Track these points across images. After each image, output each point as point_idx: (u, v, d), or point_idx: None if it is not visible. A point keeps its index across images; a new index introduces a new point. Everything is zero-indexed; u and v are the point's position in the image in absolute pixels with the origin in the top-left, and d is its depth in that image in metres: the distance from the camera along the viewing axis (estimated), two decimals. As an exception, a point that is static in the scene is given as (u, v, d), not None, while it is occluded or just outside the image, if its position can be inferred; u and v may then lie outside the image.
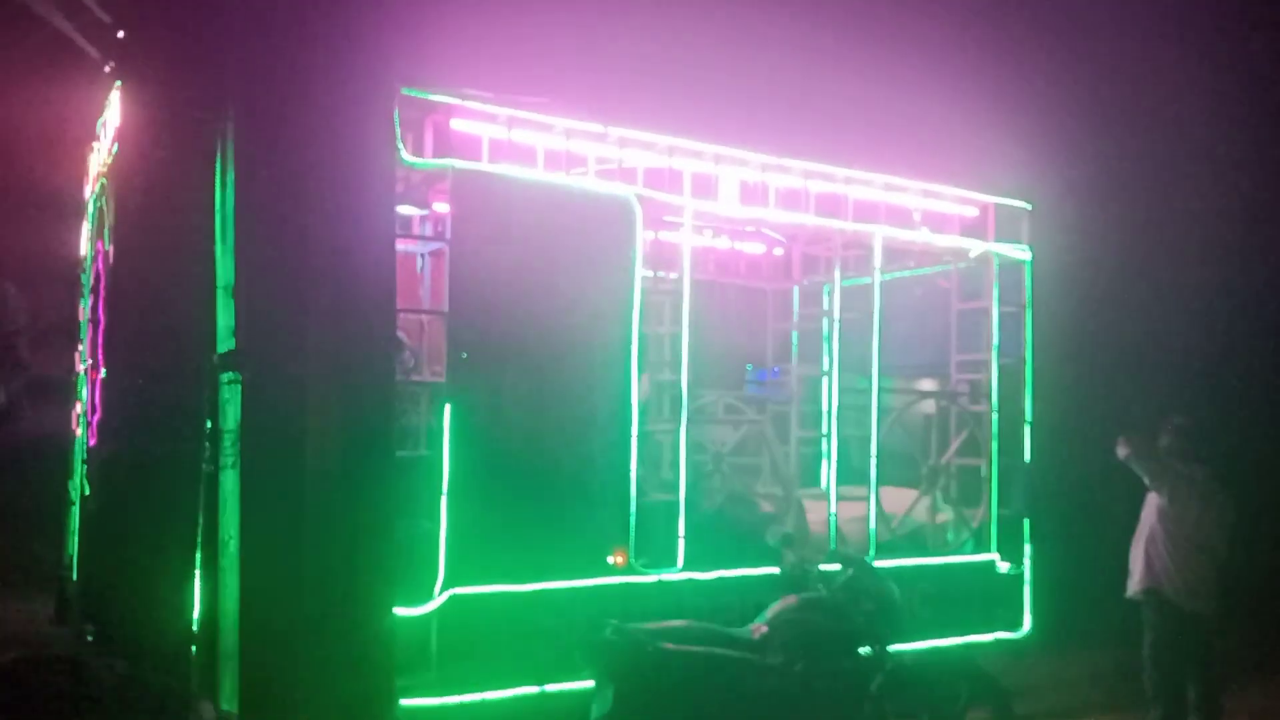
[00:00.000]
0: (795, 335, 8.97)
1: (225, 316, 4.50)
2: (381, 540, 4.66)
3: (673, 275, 8.48)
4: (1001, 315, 7.63)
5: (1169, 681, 5.90)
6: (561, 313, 5.68)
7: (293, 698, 4.32)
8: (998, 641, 7.16)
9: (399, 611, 5.14)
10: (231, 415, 4.42)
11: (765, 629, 5.05)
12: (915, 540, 7.24)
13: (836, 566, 5.45)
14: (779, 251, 8.95)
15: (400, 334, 5.69)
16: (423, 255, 6.13)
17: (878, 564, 6.51)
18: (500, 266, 5.47)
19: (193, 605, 4.65)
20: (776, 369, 9.11)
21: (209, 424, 4.53)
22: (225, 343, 4.49)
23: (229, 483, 4.48)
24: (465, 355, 5.39)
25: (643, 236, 6.03)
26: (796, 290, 9.07)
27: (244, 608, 4.29)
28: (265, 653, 4.32)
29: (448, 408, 5.35)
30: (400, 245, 5.87)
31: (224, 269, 4.50)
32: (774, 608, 5.17)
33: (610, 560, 5.80)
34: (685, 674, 4.68)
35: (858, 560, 5.40)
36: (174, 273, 4.53)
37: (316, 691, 4.36)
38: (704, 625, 4.96)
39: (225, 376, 4.51)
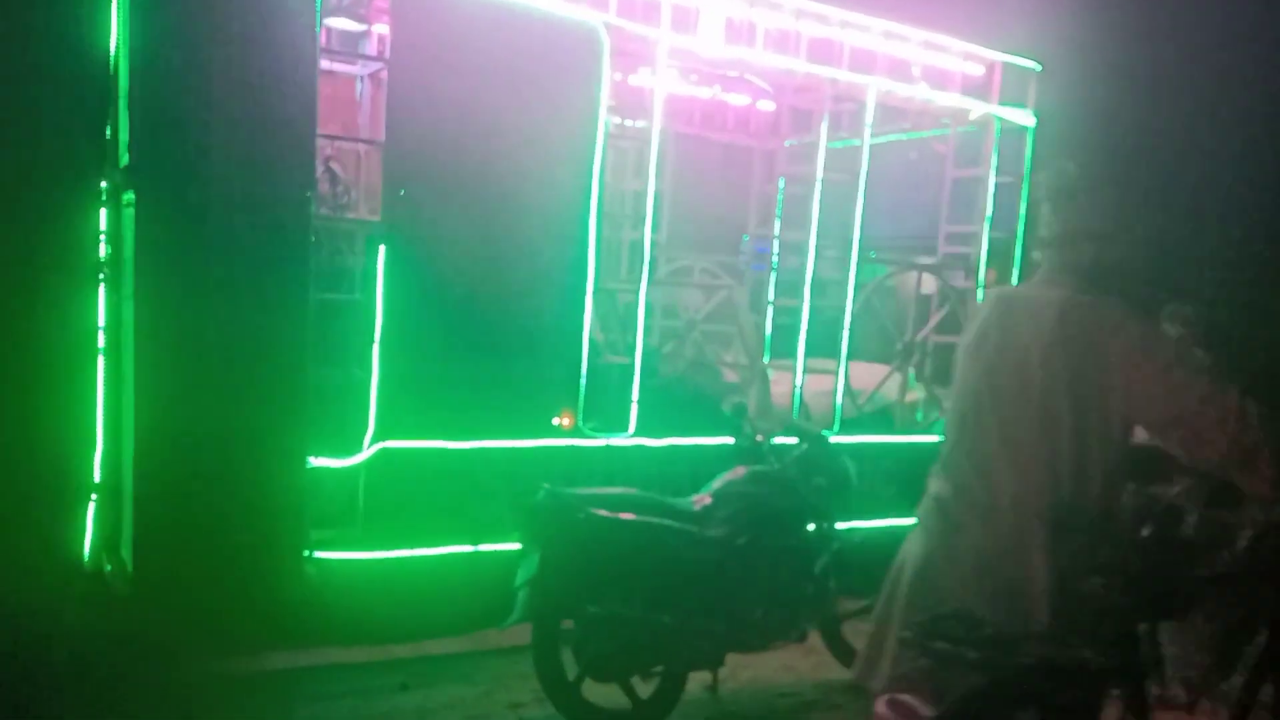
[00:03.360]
0: (780, 197, 8.47)
1: (124, 129, 4.02)
2: (293, 387, 4.32)
3: (644, 124, 8.04)
4: (998, 186, 7.15)
5: None
6: (513, 152, 5.18)
7: (190, 549, 4.06)
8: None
9: (322, 463, 4.87)
10: (128, 241, 4.00)
11: (708, 500, 4.77)
12: (882, 417, 6.94)
13: (794, 441, 5.17)
14: (767, 106, 8.36)
15: (333, 165, 5.22)
16: (362, 78, 5.59)
17: (838, 440, 6.26)
18: (445, 95, 4.94)
19: (94, 452, 4.33)
20: (763, 247, 8.66)
21: (107, 250, 4.11)
22: (124, 158, 4.03)
23: (128, 316, 4.10)
24: (402, 192, 4.93)
25: (610, 73, 5.47)
26: (784, 148, 8.52)
27: (138, 453, 3.98)
28: (160, 502, 4.04)
29: (381, 249, 4.92)
30: (334, 65, 5.35)
31: (122, 73, 4.00)
32: (720, 479, 4.89)
33: (556, 422, 5.49)
34: (617, 542, 4.42)
35: (813, 434, 5.10)
36: (62, 77, 4.01)
37: (216, 543, 4.10)
38: (643, 494, 4.68)
39: (125, 197, 4.07)
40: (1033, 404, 2.96)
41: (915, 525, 3.31)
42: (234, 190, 4.06)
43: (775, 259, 8.33)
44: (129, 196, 4.02)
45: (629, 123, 7.76)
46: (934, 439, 6.93)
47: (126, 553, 4.21)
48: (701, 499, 4.77)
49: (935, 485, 3.28)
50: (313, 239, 4.48)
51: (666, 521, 4.55)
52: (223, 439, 4.15)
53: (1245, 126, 9.13)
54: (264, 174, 4.16)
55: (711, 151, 8.58)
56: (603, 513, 4.42)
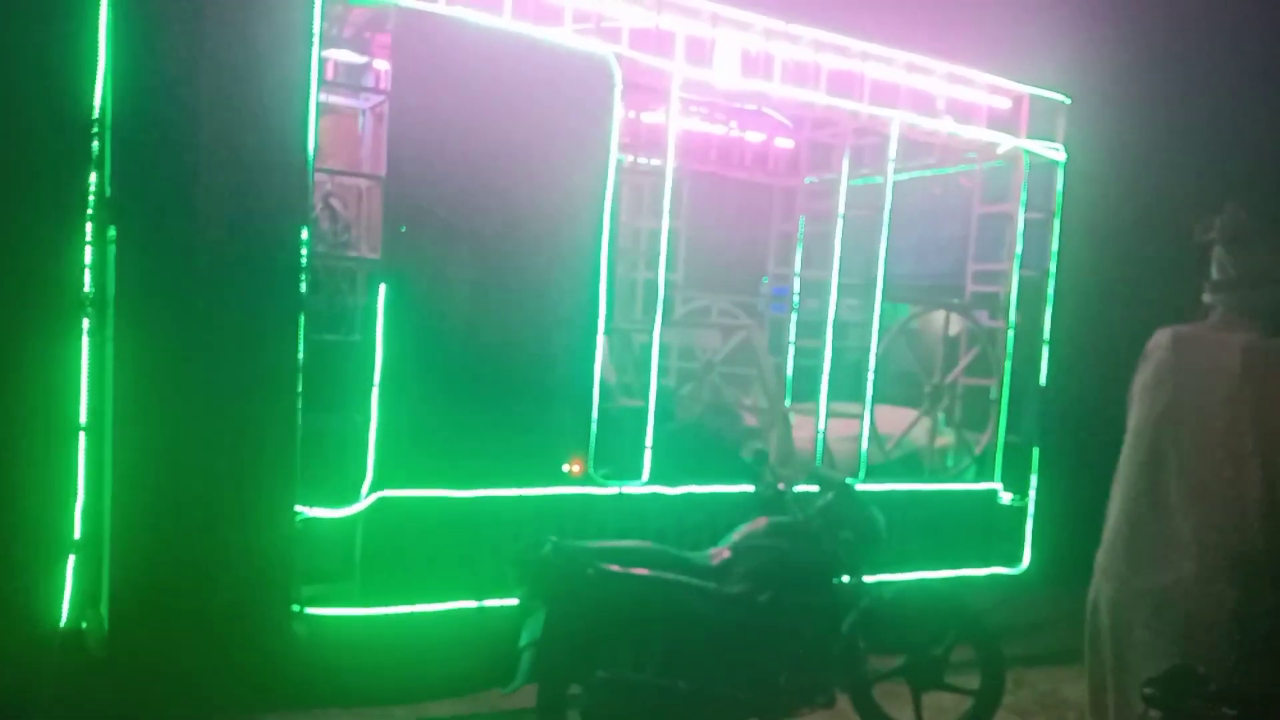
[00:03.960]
0: (800, 236, 8.22)
1: (109, 162, 3.81)
2: (283, 433, 4.07)
3: (659, 162, 7.83)
4: (1026, 222, 6.87)
5: None
6: (520, 188, 4.96)
7: (169, 607, 3.79)
8: (993, 577, 6.60)
9: (317, 513, 4.60)
10: (111, 279, 3.78)
11: (727, 554, 4.47)
12: (911, 464, 6.62)
13: (817, 489, 4.87)
14: (786, 143, 8.15)
15: (333, 201, 5.02)
16: (365, 111, 5.41)
17: (865, 488, 5.95)
18: (448, 128, 4.74)
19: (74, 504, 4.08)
20: (784, 288, 8.42)
21: (90, 289, 3.89)
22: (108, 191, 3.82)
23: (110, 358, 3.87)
24: (403, 229, 4.70)
25: (621, 106, 5.26)
26: (804, 185, 8.29)
27: (115, 505, 3.72)
28: (138, 556, 3.78)
29: (382, 288, 4.69)
30: (336, 99, 5.16)
31: (107, 104, 3.80)
32: (739, 531, 4.59)
33: (566, 469, 5.21)
34: (628, 600, 4.12)
35: (839, 483, 4.78)
36: (47, 108, 3.82)
37: (197, 600, 3.83)
38: (657, 547, 4.38)
39: (108, 232, 3.85)
40: (1217, 444, 3.01)
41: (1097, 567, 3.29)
42: (221, 225, 3.85)
43: (796, 299, 8.10)
44: (112, 232, 3.81)
45: (643, 160, 7.54)
46: (966, 486, 6.66)
47: (105, 610, 3.95)
48: (719, 553, 4.47)
49: (1113, 524, 3.26)
50: (305, 277, 4.25)
51: (682, 578, 4.25)
52: (206, 489, 3.91)
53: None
54: (254, 209, 3.95)
55: (729, 189, 8.35)
56: (613, 568, 4.13)
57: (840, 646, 4.61)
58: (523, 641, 4.10)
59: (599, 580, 4.07)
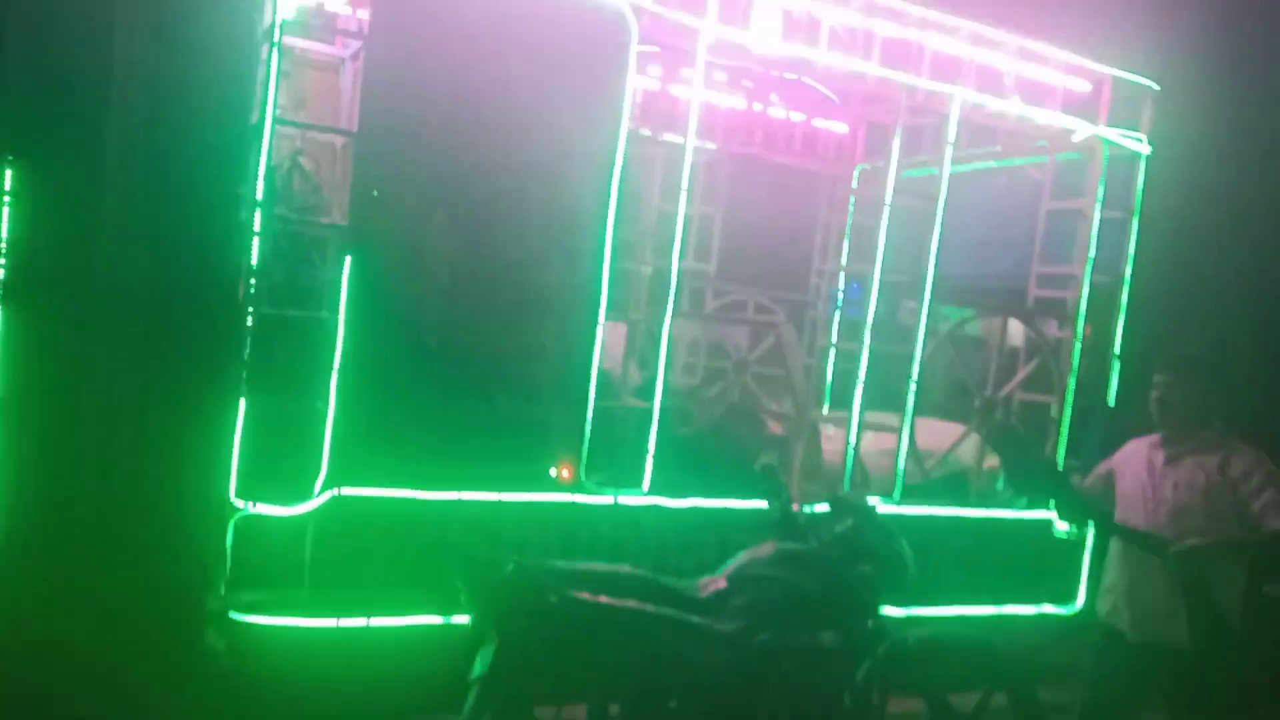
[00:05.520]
0: (849, 228, 7.53)
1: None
2: (216, 418, 3.52)
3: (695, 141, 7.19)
4: (1102, 221, 6.10)
5: None
6: (513, 152, 4.38)
7: (60, 619, 3.26)
8: (1042, 617, 5.85)
9: (264, 510, 4.07)
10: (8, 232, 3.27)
11: (722, 584, 3.83)
12: (954, 485, 5.89)
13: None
14: (839, 127, 7.46)
15: (303, 161, 4.48)
16: (345, 61, 4.86)
17: (899, 510, 5.28)
18: (433, 80, 4.17)
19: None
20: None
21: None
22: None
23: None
24: (375, 192, 4.15)
25: (636, 65, 4.64)
26: (858, 173, 7.59)
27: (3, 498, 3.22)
28: (28, 554, 3.25)
29: (348, 260, 4.14)
30: (314, 48, 4.63)
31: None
32: (739, 559, 3.94)
33: (554, 473, 4.62)
34: (597, 635, 3.50)
35: (860, 506, 4.11)
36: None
37: (94, 609, 3.30)
38: (636, 573, 3.77)
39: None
40: None
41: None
42: (138, 179, 3.32)
43: (840, 297, 7.41)
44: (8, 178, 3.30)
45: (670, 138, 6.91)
46: (1017, 514, 5.92)
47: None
48: (712, 583, 3.83)
49: None
50: (250, 244, 3.72)
51: (663, 610, 3.62)
52: (102, 482, 3.37)
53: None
54: (183, 163, 3.41)
55: (773, 175, 7.67)
56: (583, 595, 3.51)
57: (852, 699, 3.95)
58: (473, 674, 3.51)
59: (564, 610, 3.46)
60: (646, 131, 6.45)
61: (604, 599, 3.53)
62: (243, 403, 4.00)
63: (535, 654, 3.45)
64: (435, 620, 4.36)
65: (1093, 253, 6.11)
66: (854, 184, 7.51)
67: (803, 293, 7.79)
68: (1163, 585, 3.82)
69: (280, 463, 4.12)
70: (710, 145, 7.12)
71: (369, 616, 4.26)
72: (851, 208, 7.42)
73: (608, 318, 4.98)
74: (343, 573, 4.21)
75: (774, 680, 3.74)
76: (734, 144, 7.16)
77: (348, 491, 4.19)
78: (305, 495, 4.16)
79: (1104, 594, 4.18)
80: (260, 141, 3.88)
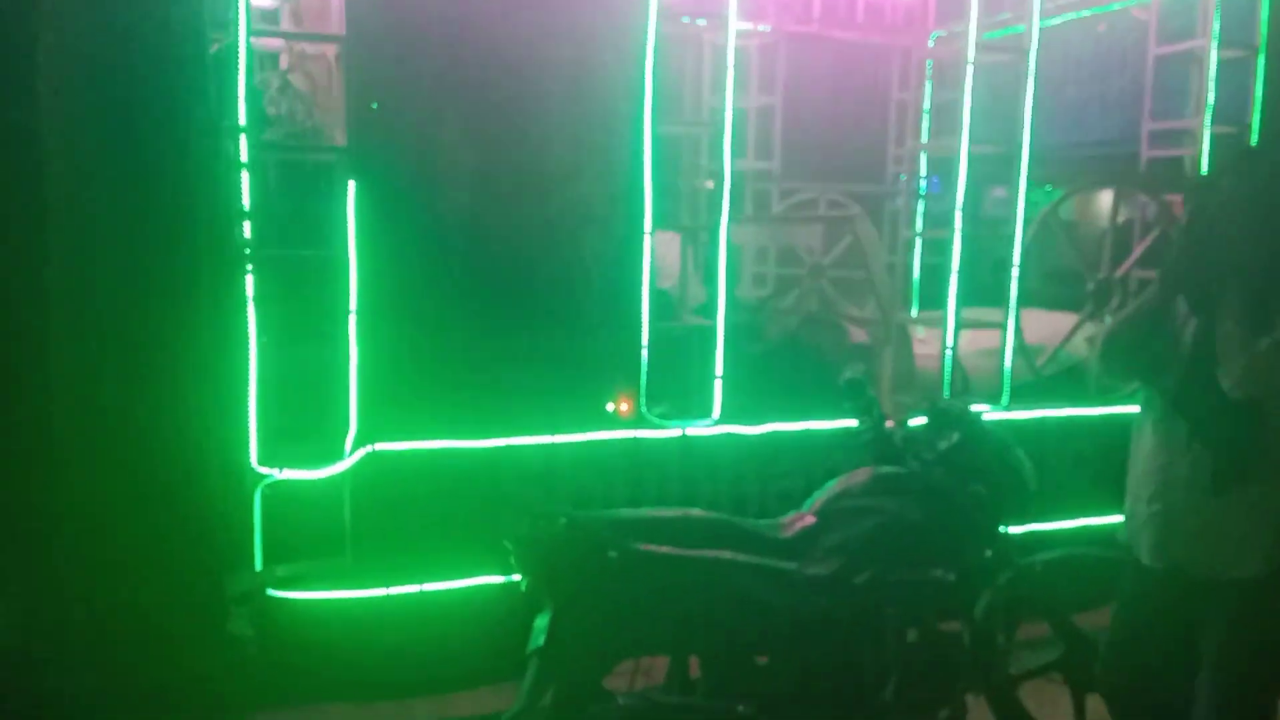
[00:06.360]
0: (928, 103, 6.75)
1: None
2: (213, 380, 3.09)
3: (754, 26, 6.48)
4: (1220, 63, 5.26)
5: None
6: (529, 44, 3.79)
7: (60, 613, 2.90)
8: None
9: (292, 475, 3.66)
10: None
11: (810, 520, 3.30)
12: (1071, 382, 5.21)
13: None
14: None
15: (291, 78, 3.96)
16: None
17: (1009, 416, 4.67)
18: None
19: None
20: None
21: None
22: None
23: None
24: (375, 106, 3.62)
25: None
26: (933, 40, 6.78)
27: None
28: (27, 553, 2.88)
29: (351, 186, 3.64)
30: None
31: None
32: (828, 489, 3.40)
33: (611, 408, 4.11)
34: (664, 590, 3.01)
35: (965, 416, 3.50)
36: None
37: (99, 602, 2.93)
38: (709, 516, 3.24)
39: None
40: None
41: None
42: (83, 111, 2.83)
43: (923, 182, 6.69)
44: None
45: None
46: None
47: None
48: (799, 520, 3.30)
49: None
50: (239, 176, 3.24)
51: (744, 557, 3.10)
52: (107, 464, 2.97)
53: None
54: (139, 87, 2.91)
55: (836, 55, 6.90)
56: (648, 548, 3.02)
57: (971, 640, 3.41)
58: (530, 645, 3.07)
59: (629, 565, 2.97)
60: (687, 18, 5.76)
61: (671, 550, 3.03)
62: (254, 358, 3.57)
63: (597, 620, 2.98)
64: (495, 580, 3.93)
65: (1211, 99, 5.29)
66: (930, 48, 6.71)
67: (879, 183, 7.07)
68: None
69: (303, 421, 3.69)
70: (763, 28, 6.41)
71: (421, 582, 3.84)
72: (929, 78, 6.64)
73: (661, 227, 4.44)
74: (387, 537, 3.80)
75: (879, 626, 3.23)
76: (789, 22, 6.42)
77: (382, 447, 3.76)
78: (336, 455, 3.74)
79: (1146, 521, 2.95)
80: (237, 60, 3.38)
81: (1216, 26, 5.21)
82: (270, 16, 4.31)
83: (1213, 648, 2.78)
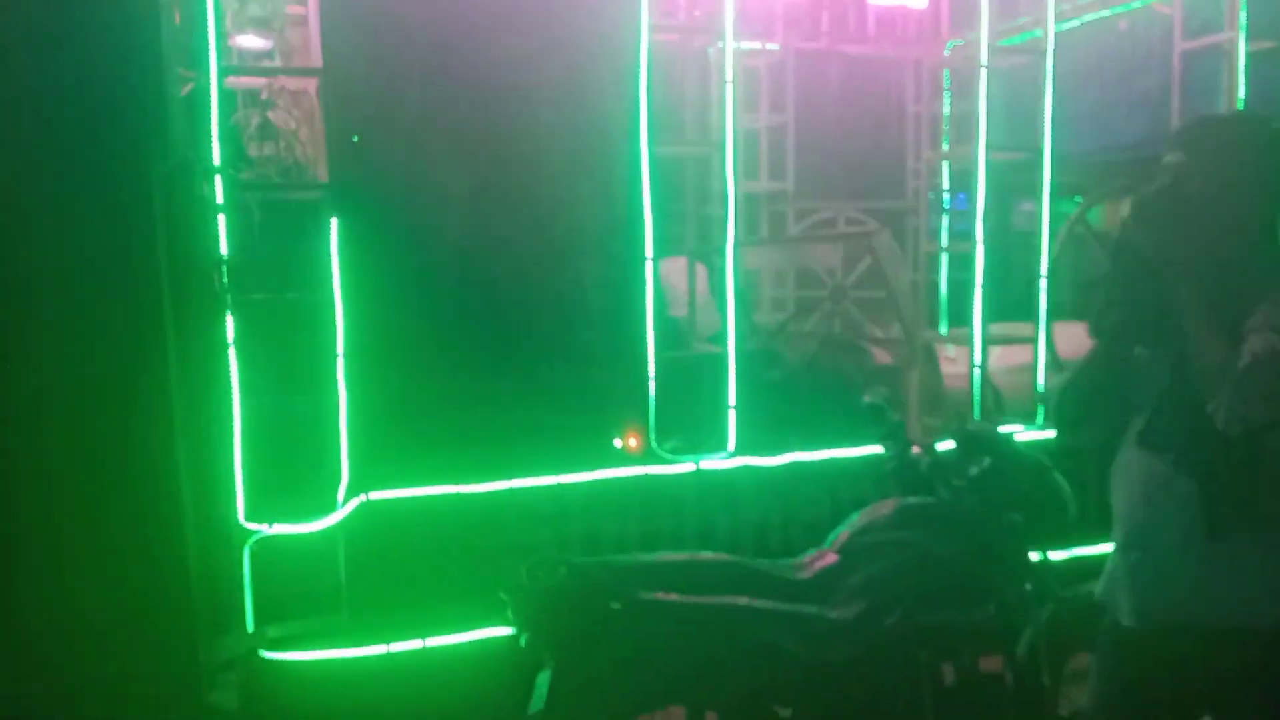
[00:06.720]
0: (947, 113, 6.52)
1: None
2: (194, 431, 2.92)
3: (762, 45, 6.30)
4: (1250, 56, 5.01)
5: None
6: (518, 67, 3.63)
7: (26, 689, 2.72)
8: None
9: (280, 529, 3.48)
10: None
11: (832, 559, 3.05)
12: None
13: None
14: (917, 2, 6.43)
15: (271, 116, 3.80)
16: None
17: (1043, 436, 4.40)
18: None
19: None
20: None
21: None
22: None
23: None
24: (356, 138, 3.47)
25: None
26: (949, 49, 6.57)
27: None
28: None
29: (334, 223, 3.48)
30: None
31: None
32: (851, 523, 3.16)
33: (619, 444, 3.90)
34: (672, 641, 2.78)
35: (996, 438, 3.25)
36: None
37: (70, 673, 2.74)
38: (720, 559, 3.03)
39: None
40: None
41: None
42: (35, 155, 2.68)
43: (946, 196, 6.45)
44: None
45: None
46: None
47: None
48: (819, 559, 3.06)
49: None
50: (215, 219, 3.10)
51: (760, 603, 2.87)
52: (80, 523, 2.80)
53: None
54: (83, 124, 2.76)
55: (847, 70, 6.73)
56: (655, 595, 2.79)
57: (1015, 681, 3.14)
58: (531, 706, 2.84)
59: (628, 617, 2.75)
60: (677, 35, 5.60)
61: (679, 597, 2.80)
62: (237, 406, 3.40)
63: (602, 675, 2.75)
64: (503, 633, 3.70)
65: (1242, 94, 5.04)
66: (946, 56, 6.50)
67: (898, 198, 6.84)
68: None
69: (293, 472, 3.51)
70: (771, 46, 6.24)
71: (424, 637, 3.63)
72: (947, 89, 6.42)
73: (669, 253, 4.24)
74: (385, 591, 3.59)
75: (911, 671, 2.97)
76: (797, 39, 6.24)
77: (377, 496, 3.56)
78: (328, 507, 3.55)
79: (1122, 574, 2.45)
80: (209, 98, 3.24)
81: (1244, 17, 4.97)
82: (267, 57, 4.20)
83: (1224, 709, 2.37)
